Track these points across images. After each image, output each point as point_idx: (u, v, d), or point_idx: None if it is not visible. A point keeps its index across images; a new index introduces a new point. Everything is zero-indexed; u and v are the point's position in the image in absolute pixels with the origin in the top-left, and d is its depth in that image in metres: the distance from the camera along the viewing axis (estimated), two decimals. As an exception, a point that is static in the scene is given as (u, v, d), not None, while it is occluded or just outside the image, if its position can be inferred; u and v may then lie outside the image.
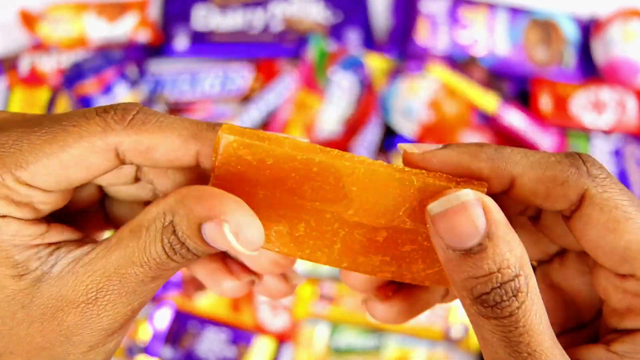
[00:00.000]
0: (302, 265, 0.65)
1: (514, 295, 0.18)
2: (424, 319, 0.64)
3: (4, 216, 0.19)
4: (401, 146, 0.21)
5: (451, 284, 0.20)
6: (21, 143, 0.19)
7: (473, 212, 0.18)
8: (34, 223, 0.20)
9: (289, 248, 0.22)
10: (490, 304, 0.18)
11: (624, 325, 0.20)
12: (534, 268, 0.23)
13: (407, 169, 0.21)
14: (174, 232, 0.19)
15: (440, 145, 0.21)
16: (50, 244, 0.20)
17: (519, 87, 0.76)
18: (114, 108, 0.20)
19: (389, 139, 0.71)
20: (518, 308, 0.18)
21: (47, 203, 0.20)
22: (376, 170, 0.21)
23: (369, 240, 0.22)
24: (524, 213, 0.23)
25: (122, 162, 0.20)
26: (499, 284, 0.18)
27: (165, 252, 0.19)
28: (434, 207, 0.19)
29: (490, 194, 0.21)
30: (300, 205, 0.22)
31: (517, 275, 0.18)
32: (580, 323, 0.23)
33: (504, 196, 0.21)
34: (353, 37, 0.76)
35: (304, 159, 0.21)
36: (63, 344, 0.20)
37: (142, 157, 0.20)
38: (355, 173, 0.21)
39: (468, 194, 0.19)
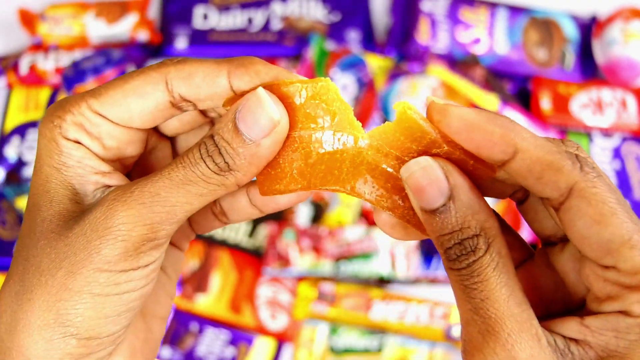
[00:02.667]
0: (302, 266, 0.65)
1: (472, 251, 0.20)
2: (424, 319, 0.64)
3: (76, 141, 0.23)
4: (428, 97, 0.22)
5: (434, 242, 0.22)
6: (100, 86, 0.23)
7: (434, 176, 0.21)
8: (99, 159, 0.23)
9: (306, 179, 0.23)
10: (452, 257, 0.21)
11: (602, 309, 0.21)
12: (537, 247, 0.25)
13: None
14: (211, 137, 0.22)
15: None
16: (105, 186, 0.23)
17: (519, 87, 0.76)
18: (170, 58, 0.24)
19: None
20: (475, 261, 0.20)
21: (114, 138, 0.24)
22: (403, 114, 0.22)
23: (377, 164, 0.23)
24: (512, 196, 0.25)
25: (171, 94, 0.23)
26: (459, 240, 0.20)
27: (200, 155, 0.22)
28: (403, 171, 0.22)
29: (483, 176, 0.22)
30: (305, 137, 0.23)
31: (476, 235, 0.20)
32: (568, 308, 0.24)
33: (497, 180, 0.23)
34: (353, 37, 0.76)
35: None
36: (83, 251, 0.21)
37: (185, 84, 0.23)
38: None
39: (426, 160, 0.21)
